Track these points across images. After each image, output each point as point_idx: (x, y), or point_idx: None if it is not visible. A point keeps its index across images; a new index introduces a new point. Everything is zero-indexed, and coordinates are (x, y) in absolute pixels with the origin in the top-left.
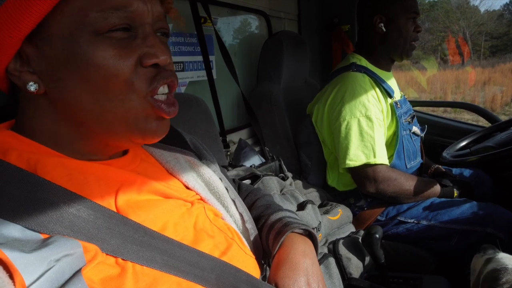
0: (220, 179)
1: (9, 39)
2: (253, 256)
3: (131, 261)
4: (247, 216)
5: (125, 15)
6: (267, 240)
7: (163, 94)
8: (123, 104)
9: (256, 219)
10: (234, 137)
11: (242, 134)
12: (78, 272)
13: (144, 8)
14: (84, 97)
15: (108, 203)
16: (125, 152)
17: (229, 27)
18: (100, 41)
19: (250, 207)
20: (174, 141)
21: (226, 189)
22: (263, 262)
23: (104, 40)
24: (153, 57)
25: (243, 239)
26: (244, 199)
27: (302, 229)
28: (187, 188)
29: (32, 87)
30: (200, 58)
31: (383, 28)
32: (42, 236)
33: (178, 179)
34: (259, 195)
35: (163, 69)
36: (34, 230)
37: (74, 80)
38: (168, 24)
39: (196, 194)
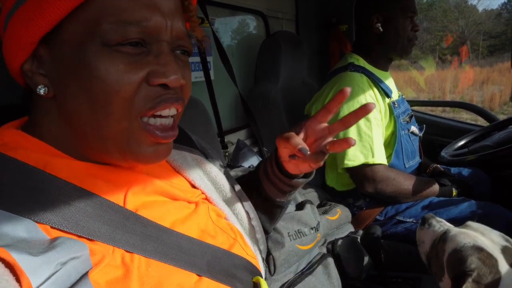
0: (226, 177)
1: (23, 39)
2: (255, 257)
3: (121, 248)
4: (253, 213)
5: (139, 30)
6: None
7: (168, 116)
8: (118, 124)
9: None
10: (232, 138)
11: (240, 135)
12: (85, 275)
13: (163, 23)
14: (84, 108)
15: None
16: None
17: (227, 28)
18: (108, 54)
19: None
20: (181, 140)
21: (233, 187)
22: (264, 263)
23: (112, 53)
24: (161, 76)
25: (246, 240)
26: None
27: None
28: (193, 186)
29: (42, 90)
30: (197, 59)
31: (380, 28)
32: (49, 237)
33: (185, 178)
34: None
35: (173, 91)
36: (24, 217)
37: (77, 90)
38: (191, 43)
39: (202, 193)
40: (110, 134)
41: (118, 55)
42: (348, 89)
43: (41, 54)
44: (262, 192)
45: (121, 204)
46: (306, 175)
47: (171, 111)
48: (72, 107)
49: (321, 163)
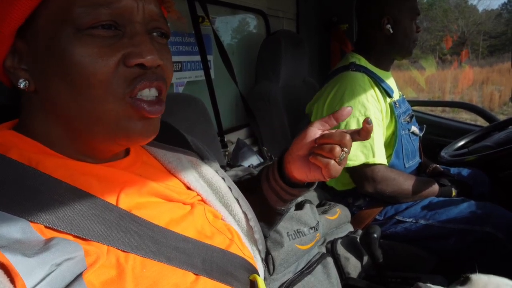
0: (222, 178)
1: (1, 34)
2: (252, 257)
3: (116, 248)
4: (251, 214)
5: (110, 11)
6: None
7: (148, 96)
8: (102, 106)
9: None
10: (232, 137)
11: (240, 134)
12: (79, 276)
13: (134, 5)
14: (65, 96)
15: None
16: (127, 154)
17: (227, 27)
18: (81, 38)
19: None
20: (176, 141)
21: (230, 188)
22: (263, 263)
23: (85, 38)
24: (137, 57)
25: (244, 240)
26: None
27: None
28: (188, 188)
29: (22, 84)
30: (198, 57)
31: (391, 29)
32: (43, 237)
33: (180, 180)
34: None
35: (150, 71)
36: (18, 216)
37: (57, 79)
38: (167, 24)
39: (197, 195)
40: (96, 117)
41: (91, 39)
42: (349, 109)
43: (20, 49)
44: (262, 199)
45: (114, 203)
46: (308, 184)
47: (151, 91)
48: (55, 97)
49: (333, 173)
